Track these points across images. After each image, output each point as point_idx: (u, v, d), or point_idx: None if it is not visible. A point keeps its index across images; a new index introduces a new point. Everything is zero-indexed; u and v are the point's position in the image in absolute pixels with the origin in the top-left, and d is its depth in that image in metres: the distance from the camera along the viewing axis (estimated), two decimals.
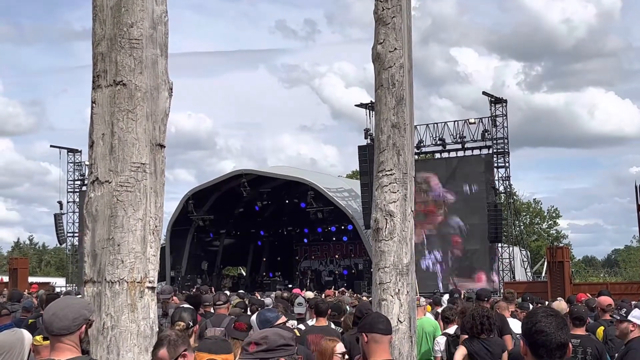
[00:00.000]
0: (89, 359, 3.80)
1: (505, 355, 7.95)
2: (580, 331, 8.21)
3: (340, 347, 5.99)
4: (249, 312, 10.25)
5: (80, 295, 5.05)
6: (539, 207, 75.28)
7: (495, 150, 33.85)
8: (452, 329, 9.27)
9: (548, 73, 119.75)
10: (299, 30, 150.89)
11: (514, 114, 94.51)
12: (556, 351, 3.05)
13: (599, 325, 9.37)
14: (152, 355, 4.55)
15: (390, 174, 6.91)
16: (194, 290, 27.45)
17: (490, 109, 34.16)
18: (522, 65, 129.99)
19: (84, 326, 3.83)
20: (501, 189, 34.23)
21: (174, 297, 12.18)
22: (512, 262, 34.54)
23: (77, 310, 3.83)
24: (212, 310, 10.51)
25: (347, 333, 8.08)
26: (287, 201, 43.37)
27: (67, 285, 43.53)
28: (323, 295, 19.32)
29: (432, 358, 9.55)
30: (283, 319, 6.03)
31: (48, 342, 4.43)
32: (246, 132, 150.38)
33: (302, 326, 9.15)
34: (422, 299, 10.96)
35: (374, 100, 7.33)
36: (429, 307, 12.09)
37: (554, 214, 75.52)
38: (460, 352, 8.39)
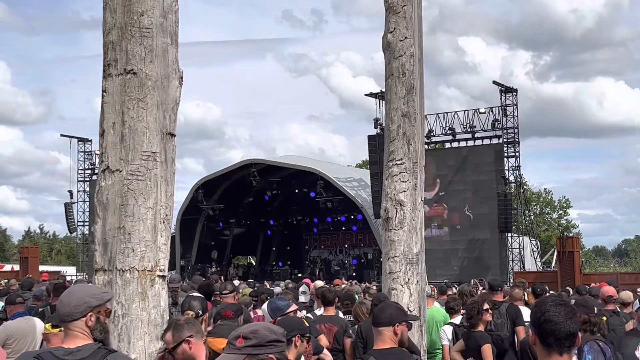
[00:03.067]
0: (98, 347, 3.79)
1: (485, 348, 7.86)
2: None
3: None
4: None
5: (91, 284, 5.05)
6: (549, 197, 75.04)
7: (505, 140, 33.73)
8: (457, 319, 9.25)
9: (557, 63, 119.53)
10: (306, 20, 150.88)
11: (523, 104, 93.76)
12: (565, 340, 3.04)
13: (602, 315, 9.31)
14: (161, 338, 4.59)
15: (401, 163, 6.91)
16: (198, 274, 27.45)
17: (501, 99, 34.03)
18: (531, 54, 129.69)
19: (89, 314, 3.81)
20: (511, 178, 34.12)
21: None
22: (522, 252, 34.48)
23: (81, 297, 3.82)
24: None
25: (365, 321, 8.08)
26: (296, 191, 43.35)
27: (78, 274, 43.72)
28: (332, 284, 19.31)
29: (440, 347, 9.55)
30: (294, 307, 6.03)
31: (57, 330, 4.45)
32: (254, 121, 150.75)
33: (310, 316, 9.17)
34: (435, 288, 10.95)
35: (383, 90, 7.31)
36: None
37: (564, 204, 75.27)
38: (458, 344, 8.43)
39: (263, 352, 2.83)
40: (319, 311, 9.45)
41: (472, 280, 21.62)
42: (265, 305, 6.00)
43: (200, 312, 6.38)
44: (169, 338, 4.38)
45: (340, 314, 9.18)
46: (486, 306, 8.37)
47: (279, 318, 5.09)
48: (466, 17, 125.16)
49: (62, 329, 3.94)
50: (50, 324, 5.34)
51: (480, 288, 15.99)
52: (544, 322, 3.07)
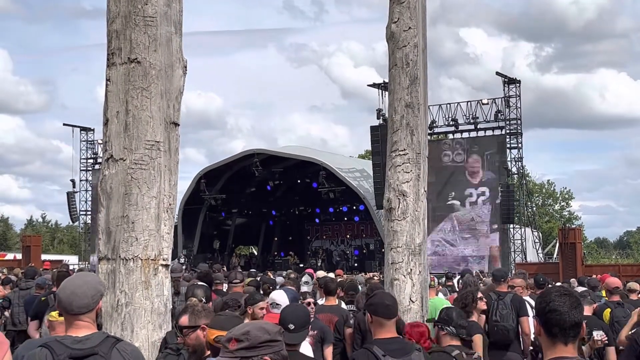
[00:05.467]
0: (106, 335, 3.80)
1: (475, 338, 7.88)
2: (587, 312, 8.19)
3: None
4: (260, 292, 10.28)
5: (87, 272, 5.06)
6: (551, 189, 75.00)
7: (508, 131, 33.68)
8: None
9: (559, 54, 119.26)
10: (307, 11, 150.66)
11: (524, 95, 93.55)
12: (570, 330, 3.04)
13: (606, 307, 9.35)
14: (175, 320, 4.61)
15: (404, 154, 6.90)
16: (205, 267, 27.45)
17: (504, 90, 33.95)
18: (533, 46, 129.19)
19: (100, 302, 3.84)
20: (514, 169, 34.09)
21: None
22: (524, 243, 34.46)
23: (94, 287, 3.83)
24: (222, 288, 10.56)
25: (360, 313, 8.10)
26: (299, 181, 43.34)
27: (80, 262, 43.80)
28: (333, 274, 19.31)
29: None
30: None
31: (63, 318, 4.45)
32: (256, 111, 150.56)
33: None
34: (435, 279, 10.96)
35: (386, 80, 7.30)
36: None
37: (566, 196, 75.22)
38: None
39: (256, 353, 2.77)
40: (321, 301, 9.47)
41: (474, 272, 21.63)
42: (277, 295, 5.99)
43: (204, 300, 6.39)
44: (184, 322, 4.39)
45: (343, 305, 9.20)
46: (480, 295, 8.39)
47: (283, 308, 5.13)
48: (467, 9, 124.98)
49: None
50: (57, 312, 5.33)
51: (483, 279, 15.98)
52: (548, 312, 3.06)
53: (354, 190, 36.84)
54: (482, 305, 8.31)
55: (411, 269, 6.82)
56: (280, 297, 5.95)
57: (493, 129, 34.20)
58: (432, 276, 12.05)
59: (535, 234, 38.27)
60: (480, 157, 34.20)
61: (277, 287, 10.59)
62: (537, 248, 37.36)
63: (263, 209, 45.87)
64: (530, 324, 8.72)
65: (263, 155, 39.30)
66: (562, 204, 75.22)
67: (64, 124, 45.05)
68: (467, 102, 35.08)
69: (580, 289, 11.11)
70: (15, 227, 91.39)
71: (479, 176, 34.14)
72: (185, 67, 5.28)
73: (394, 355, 4.73)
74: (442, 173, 34.32)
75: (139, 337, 4.81)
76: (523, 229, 34.98)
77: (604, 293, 10.91)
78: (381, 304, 4.98)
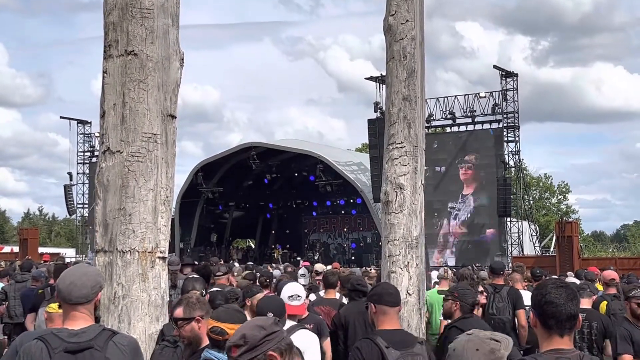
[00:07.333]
0: (102, 329, 3.80)
1: None
2: (587, 304, 8.21)
3: None
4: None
5: (88, 265, 5.07)
6: (549, 182, 75.06)
7: (505, 125, 33.69)
8: None
9: (555, 48, 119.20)
10: (303, 4, 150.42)
11: (521, 89, 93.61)
12: (566, 322, 3.05)
13: (603, 299, 9.38)
14: (170, 313, 4.64)
15: (401, 147, 6.90)
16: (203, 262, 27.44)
17: (501, 83, 33.94)
18: (529, 39, 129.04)
19: (99, 294, 3.84)
20: (511, 163, 34.11)
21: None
22: (521, 236, 34.52)
23: (94, 278, 3.84)
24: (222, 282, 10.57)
25: (344, 307, 8.09)
26: (296, 174, 43.30)
27: (77, 255, 43.81)
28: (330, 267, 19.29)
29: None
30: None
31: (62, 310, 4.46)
32: (253, 104, 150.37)
33: (313, 296, 9.20)
34: (448, 271, 11.01)
35: (382, 73, 7.29)
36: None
37: (563, 189, 75.30)
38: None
39: (260, 351, 2.80)
40: (323, 293, 9.47)
41: (472, 265, 21.67)
42: (296, 288, 6.06)
43: (204, 294, 6.40)
44: (179, 314, 4.40)
45: (344, 299, 9.20)
46: (480, 288, 8.40)
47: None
48: (463, 2, 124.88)
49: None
50: (57, 304, 5.32)
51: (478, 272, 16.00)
52: (545, 304, 3.07)
53: (351, 183, 36.84)
54: (482, 299, 8.32)
55: (408, 262, 6.83)
56: (299, 289, 6.04)
57: (490, 122, 34.21)
58: (445, 268, 12.04)
59: (533, 227, 38.32)
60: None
61: (274, 280, 10.61)
62: (534, 241, 37.43)
63: (260, 202, 45.89)
64: (524, 317, 8.75)
65: (260, 149, 39.30)
66: (559, 197, 75.33)
67: (61, 117, 45.15)
68: (465, 95, 35.15)
69: (574, 280, 11.16)
70: (12, 220, 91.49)
71: None
72: (182, 59, 5.27)
73: (397, 347, 4.73)
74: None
75: (136, 329, 4.82)
76: (520, 222, 35.02)
77: (600, 287, 10.96)
78: (385, 293, 5.00)
